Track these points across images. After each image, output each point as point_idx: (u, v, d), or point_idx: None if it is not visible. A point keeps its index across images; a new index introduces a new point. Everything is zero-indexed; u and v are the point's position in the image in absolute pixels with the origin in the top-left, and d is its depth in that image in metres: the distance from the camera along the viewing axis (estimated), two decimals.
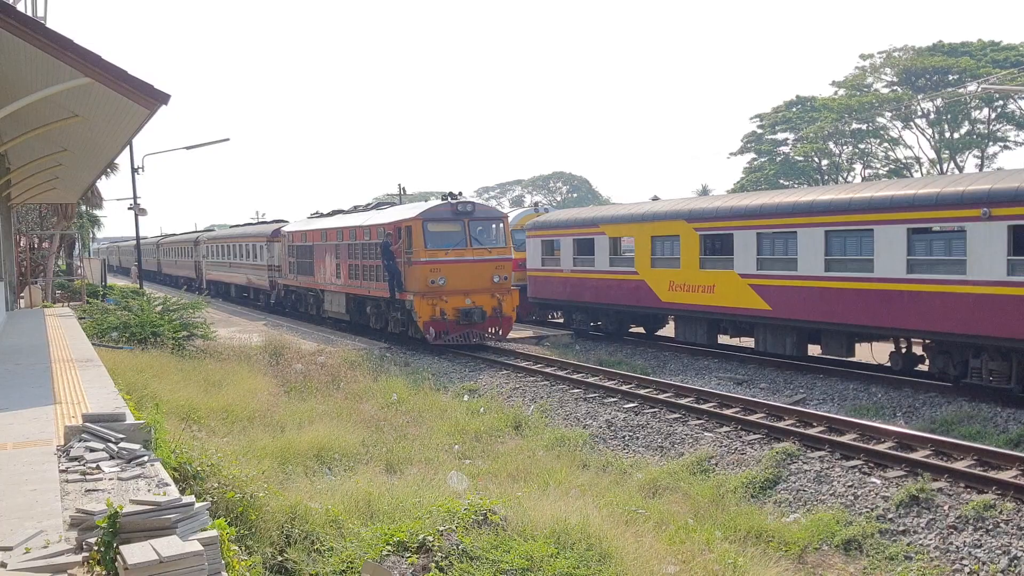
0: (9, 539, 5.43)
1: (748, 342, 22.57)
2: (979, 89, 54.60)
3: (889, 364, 19.02)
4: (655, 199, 27.77)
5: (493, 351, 24.62)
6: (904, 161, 66.72)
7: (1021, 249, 15.46)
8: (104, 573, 4.84)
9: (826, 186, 19.71)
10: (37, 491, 6.59)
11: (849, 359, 19.92)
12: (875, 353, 19.75)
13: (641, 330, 27.29)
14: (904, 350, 18.82)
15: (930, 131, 63.90)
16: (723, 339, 23.35)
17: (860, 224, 17.99)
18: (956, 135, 62.52)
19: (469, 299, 24.33)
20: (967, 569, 9.92)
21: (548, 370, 21.50)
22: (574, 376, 20.57)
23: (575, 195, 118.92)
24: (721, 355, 22.90)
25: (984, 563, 9.92)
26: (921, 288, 16.84)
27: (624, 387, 19.04)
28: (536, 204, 36.14)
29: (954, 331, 16.33)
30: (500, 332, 24.90)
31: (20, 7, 13.37)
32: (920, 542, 10.66)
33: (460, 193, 25.76)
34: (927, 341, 17.70)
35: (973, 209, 15.80)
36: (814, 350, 20.75)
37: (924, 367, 18.39)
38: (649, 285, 24.07)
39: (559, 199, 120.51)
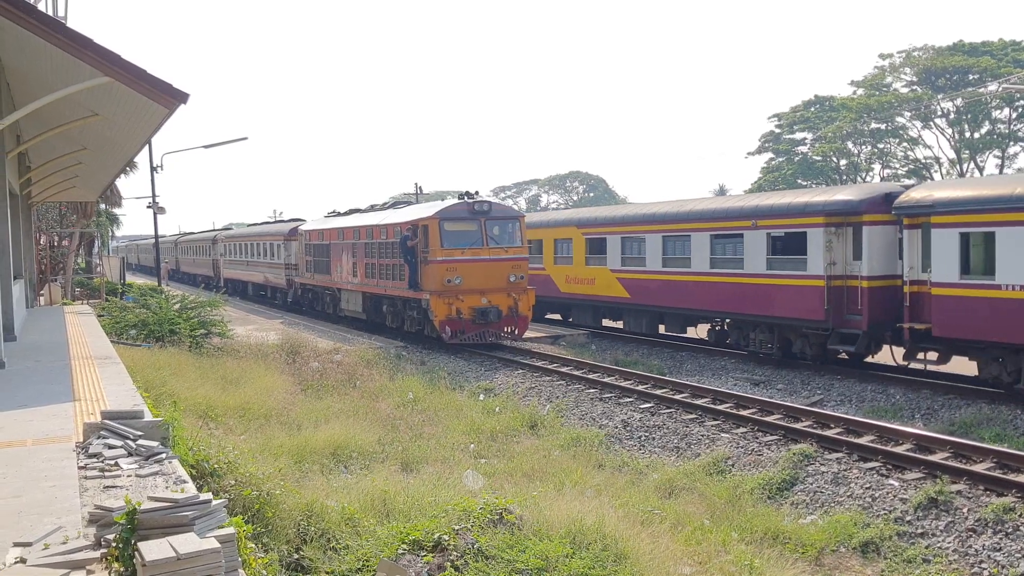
0: (29, 535, 5.48)
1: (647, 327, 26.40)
2: (1000, 89, 54.14)
3: (707, 338, 24.84)
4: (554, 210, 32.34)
5: (509, 350, 24.61)
6: (923, 161, 66.31)
7: (775, 251, 21.09)
8: (122, 570, 4.86)
9: (664, 202, 26.27)
10: (56, 487, 6.65)
11: (689, 336, 25.20)
12: (701, 331, 25.27)
13: (558, 316, 32.03)
14: (717, 328, 24.22)
15: (950, 131, 63.45)
16: (606, 322, 28.80)
17: (683, 232, 23.90)
18: (976, 135, 62.06)
19: (485, 298, 24.32)
20: (986, 572, 9.85)
21: (564, 370, 21.48)
22: (590, 376, 20.54)
23: (591, 195, 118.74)
24: (738, 355, 22.83)
25: (1003, 566, 9.84)
26: (719, 280, 22.56)
27: (640, 387, 19.00)
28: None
29: (740, 312, 21.97)
30: (516, 331, 24.89)
31: (41, 7, 13.49)
32: (938, 545, 10.59)
33: (477, 192, 25.78)
34: (728, 320, 23.36)
35: (746, 221, 21.62)
36: (662, 329, 26.33)
37: (730, 340, 23.48)
38: (553, 279, 29.93)
39: (575, 198, 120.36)
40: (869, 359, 20.38)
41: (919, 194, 18.06)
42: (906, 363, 18.74)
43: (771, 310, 20.89)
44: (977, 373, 17.41)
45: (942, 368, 18.61)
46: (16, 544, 5.32)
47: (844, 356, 20.30)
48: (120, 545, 4.91)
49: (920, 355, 18.06)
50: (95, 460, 7.32)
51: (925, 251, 17.68)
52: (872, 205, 19.20)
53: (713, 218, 22.88)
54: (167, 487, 6.51)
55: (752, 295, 21.35)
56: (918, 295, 17.79)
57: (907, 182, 21.48)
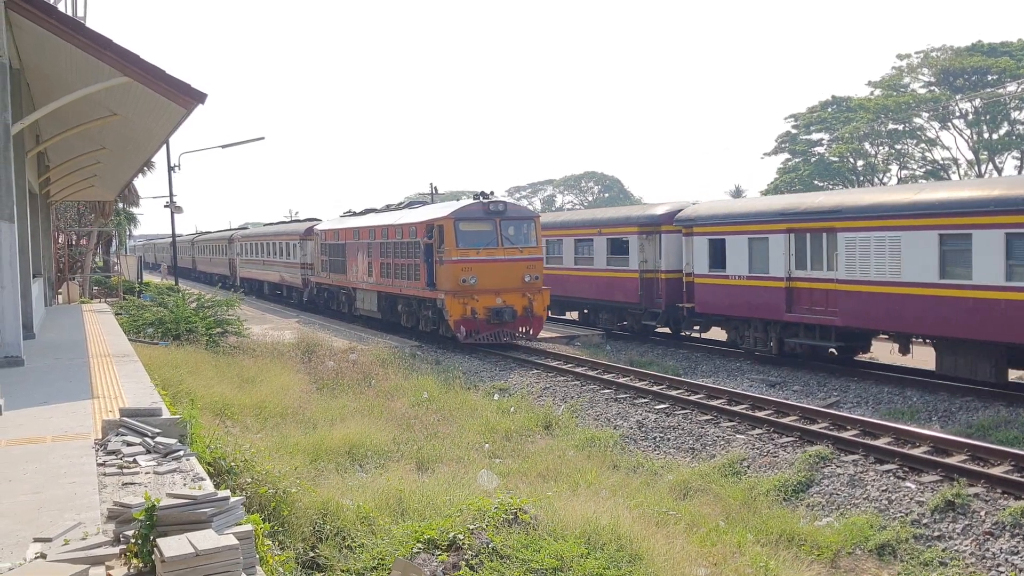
0: (48, 530, 5.52)
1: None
2: (1019, 90, 53.78)
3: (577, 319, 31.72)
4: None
5: (524, 350, 24.62)
6: (941, 162, 65.87)
7: (612, 252, 27.65)
8: (141, 565, 4.89)
9: (575, 211, 31.60)
10: (75, 484, 6.69)
11: (709, 337, 26.12)
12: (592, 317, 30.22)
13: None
14: (585, 312, 31.08)
15: (968, 132, 62.99)
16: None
17: (588, 236, 29.22)
18: (995, 136, 61.58)
19: (500, 298, 24.34)
20: None
21: (579, 370, 21.47)
22: (605, 376, 20.52)
23: (607, 195, 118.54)
24: (754, 356, 22.76)
25: (1021, 570, 9.77)
26: (581, 274, 29.30)
27: (655, 388, 18.97)
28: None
29: (594, 298, 28.94)
30: (531, 332, 24.90)
31: (60, 7, 13.59)
32: (955, 548, 10.52)
33: (492, 192, 25.83)
34: (589, 306, 30.43)
35: (594, 229, 28.68)
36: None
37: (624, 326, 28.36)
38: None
39: (591, 199, 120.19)
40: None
41: (688, 212, 25.03)
42: (686, 332, 26.37)
43: (612, 297, 27.74)
44: (726, 338, 24.40)
45: (707, 336, 25.97)
46: (36, 540, 5.36)
47: (659, 328, 27.24)
48: (139, 541, 4.95)
49: (696, 328, 25.60)
50: (114, 457, 7.37)
51: (691, 252, 24.45)
52: (667, 219, 25.87)
53: (576, 227, 30.47)
54: (185, 484, 6.55)
55: (599, 285, 28.46)
56: (691, 283, 24.49)
57: (691, 201, 26.98)
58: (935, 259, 17.38)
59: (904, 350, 19.59)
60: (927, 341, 19.21)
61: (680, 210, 25.43)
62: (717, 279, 23.19)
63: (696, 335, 26.08)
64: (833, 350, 21.09)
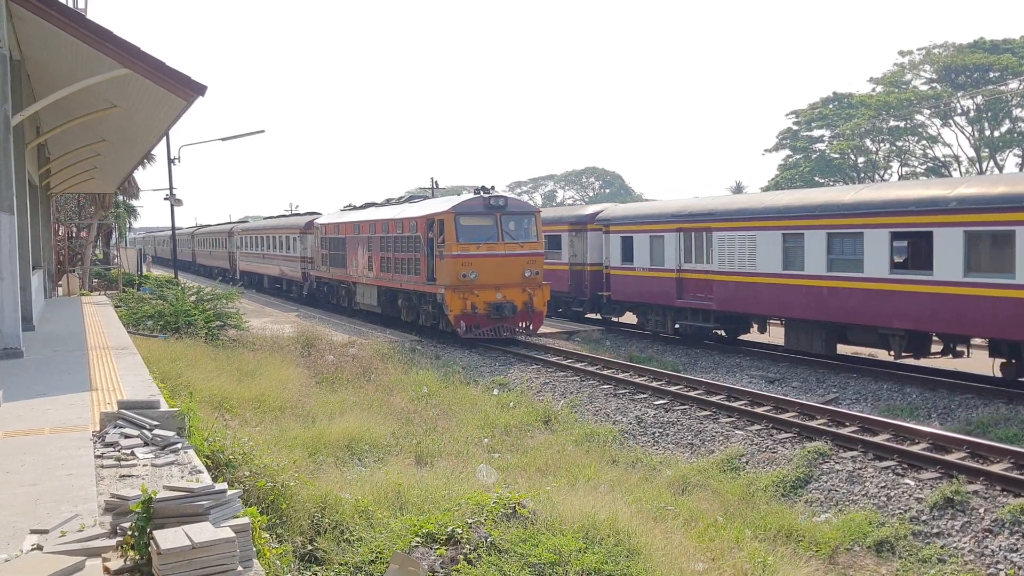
0: (45, 522, 5.52)
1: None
2: (1021, 87, 53.66)
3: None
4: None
5: (523, 345, 24.62)
6: (942, 159, 65.81)
7: (548, 247, 29.91)
8: (137, 557, 4.89)
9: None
10: (73, 476, 6.69)
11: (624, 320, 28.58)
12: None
13: None
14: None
15: (970, 129, 62.89)
16: None
17: (555, 232, 31.09)
18: (996, 133, 61.50)
19: (500, 293, 24.33)
20: (1002, 573, 9.77)
21: (578, 365, 21.47)
22: (604, 372, 20.52)
23: (608, 191, 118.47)
24: (753, 353, 22.76)
25: (1020, 567, 9.77)
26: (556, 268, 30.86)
27: (655, 383, 18.96)
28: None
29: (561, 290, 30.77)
30: (531, 327, 24.89)
31: None
32: (954, 545, 10.52)
33: (493, 187, 25.77)
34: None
35: (564, 226, 30.97)
36: None
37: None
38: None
39: (591, 194, 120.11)
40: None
41: (606, 213, 29.05)
42: (609, 316, 29.45)
43: (552, 287, 28.58)
44: (636, 321, 27.94)
45: (622, 320, 29.39)
46: (33, 531, 5.35)
47: (588, 315, 30.93)
48: (136, 533, 4.94)
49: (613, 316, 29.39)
50: (111, 449, 7.37)
51: (608, 248, 28.13)
52: (592, 219, 29.73)
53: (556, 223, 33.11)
54: (183, 477, 6.55)
55: (561, 277, 31.21)
56: (608, 275, 28.15)
57: (611, 205, 31.52)
58: (779, 254, 21.18)
59: (762, 330, 23.70)
60: (780, 321, 22.91)
61: (602, 211, 29.74)
62: (627, 271, 27.17)
63: (617, 319, 29.69)
64: (721, 332, 24.70)
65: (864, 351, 21.86)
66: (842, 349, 21.25)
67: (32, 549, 5.00)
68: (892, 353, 18.85)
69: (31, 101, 15.70)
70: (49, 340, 15.61)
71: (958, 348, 18.32)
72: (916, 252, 19.38)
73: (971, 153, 63.31)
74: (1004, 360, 17.16)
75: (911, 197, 18.25)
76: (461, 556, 8.10)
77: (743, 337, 24.87)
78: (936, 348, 18.82)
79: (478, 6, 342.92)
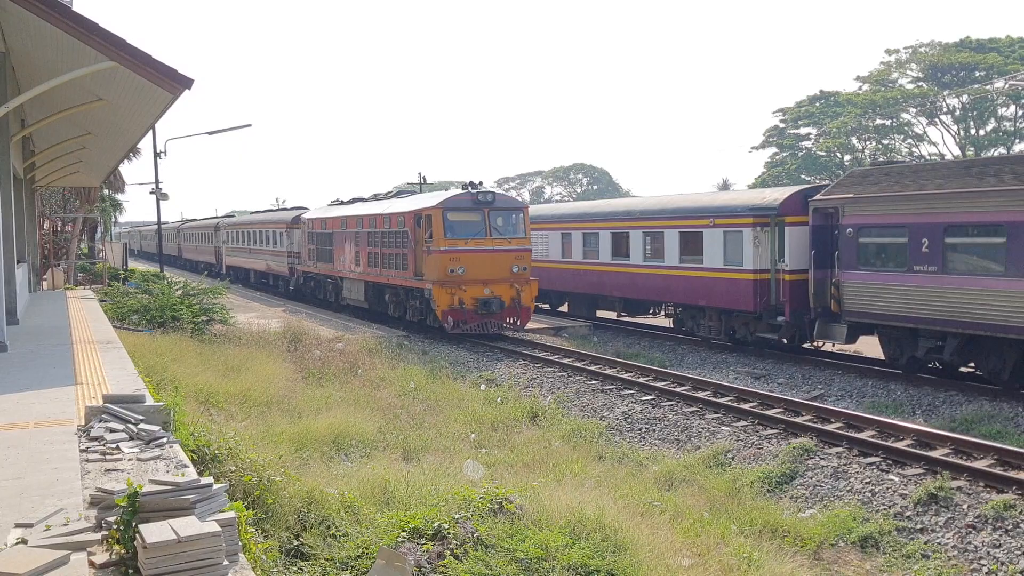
0: (30, 516, 5.49)
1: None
2: (1006, 86, 54.01)
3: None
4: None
5: (511, 341, 24.63)
6: (928, 158, 66.12)
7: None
8: (123, 552, 4.87)
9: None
10: (58, 470, 6.66)
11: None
12: None
13: None
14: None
15: (955, 128, 63.23)
16: None
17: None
18: (982, 132, 61.86)
19: (488, 289, 24.33)
20: (985, 569, 9.85)
21: (565, 361, 21.50)
22: (591, 368, 20.55)
23: (595, 187, 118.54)
24: (740, 349, 22.84)
25: (1003, 563, 9.85)
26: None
27: (641, 379, 19.00)
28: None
29: None
30: (518, 322, 24.90)
31: None
32: (938, 541, 10.59)
33: (481, 183, 25.74)
34: None
35: None
36: None
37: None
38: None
39: (579, 191, 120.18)
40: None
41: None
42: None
43: None
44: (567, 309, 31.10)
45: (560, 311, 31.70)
46: (18, 525, 5.33)
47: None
48: (121, 527, 4.93)
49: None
50: (96, 443, 7.34)
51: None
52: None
53: None
54: (168, 471, 6.53)
55: None
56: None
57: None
58: (641, 250, 25.67)
59: (654, 314, 27.86)
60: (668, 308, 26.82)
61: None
62: (541, 263, 29.65)
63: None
64: (623, 315, 28.35)
65: (849, 348, 21.96)
66: (848, 348, 21.37)
67: (16, 543, 4.98)
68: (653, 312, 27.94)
69: (16, 94, 15.59)
70: (34, 334, 15.53)
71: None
72: (656, 246, 25.49)
73: (957, 151, 63.64)
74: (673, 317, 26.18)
75: (651, 208, 25.82)
76: (448, 551, 8.11)
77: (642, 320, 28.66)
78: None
79: (468, 2, 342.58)
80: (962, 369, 18.17)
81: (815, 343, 21.46)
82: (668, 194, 27.78)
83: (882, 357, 19.53)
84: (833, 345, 21.39)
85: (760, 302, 21.45)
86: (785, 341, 21.72)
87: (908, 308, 17.67)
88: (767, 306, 21.42)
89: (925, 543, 10.59)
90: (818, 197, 20.18)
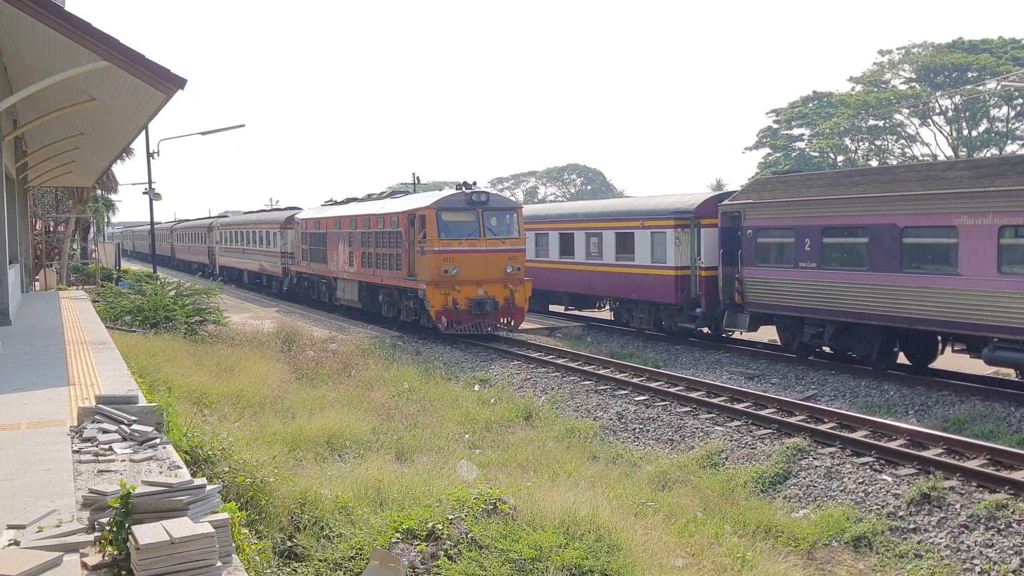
0: (22, 517, 5.47)
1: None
2: (999, 87, 54.15)
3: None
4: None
5: (505, 341, 24.62)
6: (921, 158, 66.29)
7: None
8: (116, 553, 4.86)
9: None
10: (50, 471, 6.64)
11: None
12: None
13: None
14: None
15: (948, 128, 63.41)
16: None
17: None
18: (974, 133, 62.04)
19: (482, 289, 24.32)
20: (978, 568, 9.88)
21: (559, 361, 21.50)
22: (585, 368, 20.56)
23: (589, 187, 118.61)
24: (733, 349, 22.88)
25: (995, 563, 9.88)
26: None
27: (635, 380, 19.01)
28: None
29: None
30: (512, 323, 24.89)
31: None
32: (931, 540, 10.62)
33: (474, 183, 25.72)
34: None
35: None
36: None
37: None
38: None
39: (573, 191, 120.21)
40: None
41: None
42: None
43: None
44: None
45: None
46: (10, 527, 5.31)
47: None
48: (114, 529, 4.91)
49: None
50: (89, 444, 7.31)
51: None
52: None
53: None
54: (161, 472, 6.51)
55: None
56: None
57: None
58: (584, 249, 27.83)
59: (599, 307, 29.68)
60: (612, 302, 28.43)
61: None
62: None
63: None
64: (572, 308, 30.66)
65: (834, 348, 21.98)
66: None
67: (9, 545, 4.96)
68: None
69: (8, 93, 15.53)
70: (26, 335, 15.48)
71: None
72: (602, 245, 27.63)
73: (949, 152, 63.82)
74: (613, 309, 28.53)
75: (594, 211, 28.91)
76: (441, 552, 8.11)
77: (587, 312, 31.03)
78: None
79: (462, 2, 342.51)
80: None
81: (725, 332, 23.65)
82: (607, 199, 30.77)
83: (779, 343, 22.07)
84: (741, 333, 23.20)
85: (681, 295, 23.95)
86: (706, 330, 24.52)
87: (795, 300, 20.33)
88: (687, 299, 23.89)
89: (918, 543, 10.62)
90: (725, 202, 22.69)
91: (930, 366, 19.26)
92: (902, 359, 19.50)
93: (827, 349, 20.72)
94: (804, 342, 20.54)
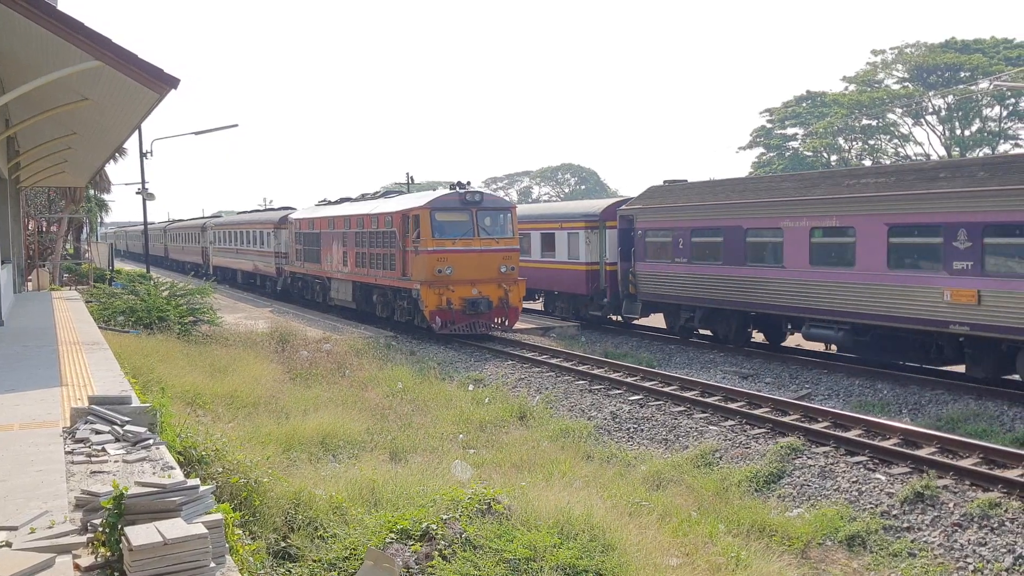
0: (14, 519, 5.45)
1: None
2: (991, 87, 54.33)
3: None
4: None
5: (499, 341, 24.61)
6: (914, 158, 66.47)
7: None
8: (108, 554, 4.84)
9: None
10: (43, 472, 6.61)
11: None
12: None
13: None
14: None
15: (941, 128, 63.61)
16: None
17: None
18: (967, 133, 62.23)
19: (476, 289, 24.30)
20: (971, 567, 9.90)
21: (553, 361, 21.50)
22: (580, 368, 20.55)
23: (583, 187, 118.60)
24: (727, 349, 22.90)
25: (988, 561, 9.90)
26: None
27: (629, 379, 19.01)
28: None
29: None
30: (506, 323, 24.89)
31: None
32: (924, 539, 10.64)
33: (468, 183, 25.70)
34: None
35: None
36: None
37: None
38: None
39: (567, 191, 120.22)
40: None
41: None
42: None
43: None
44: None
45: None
46: (2, 528, 5.29)
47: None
48: (107, 530, 4.89)
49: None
50: (82, 445, 7.29)
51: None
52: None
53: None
54: (154, 473, 6.49)
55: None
56: None
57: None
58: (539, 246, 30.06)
59: (536, 299, 31.61)
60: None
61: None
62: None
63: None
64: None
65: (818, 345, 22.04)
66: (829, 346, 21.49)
67: (1, 546, 4.94)
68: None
69: (0, 93, 15.46)
70: (19, 335, 15.42)
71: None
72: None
73: (942, 152, 64.01)
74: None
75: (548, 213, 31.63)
76: (436, 552, 8.10)
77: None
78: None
79: (455, 2, 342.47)
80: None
81: (626, 318, 27.37)
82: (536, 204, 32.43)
83: (665, 327, 26.10)
84: (638, 318, 26.89)
85: (591, 287, 27.53)
86: (617, 318, 27.99)
87: (673, 289, 24.31)
88: (597, 290, 27.48)
89: (911, 541, 10.63)
90: (623, 207, 26.65)
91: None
92: (760, 338, 23.69)
93: (703, 331, 24.45)
94: (682, 325, 24.51)
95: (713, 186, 24.57)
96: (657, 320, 26.86)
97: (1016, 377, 16.67)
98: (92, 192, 44.89)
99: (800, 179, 21.77)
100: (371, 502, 9.87)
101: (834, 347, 21.02)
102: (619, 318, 27.85)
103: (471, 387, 19.75)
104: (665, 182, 26.94)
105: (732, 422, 15.48)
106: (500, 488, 9.63)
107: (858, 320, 18.66)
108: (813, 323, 19.87)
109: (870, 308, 18.23)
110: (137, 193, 39.41)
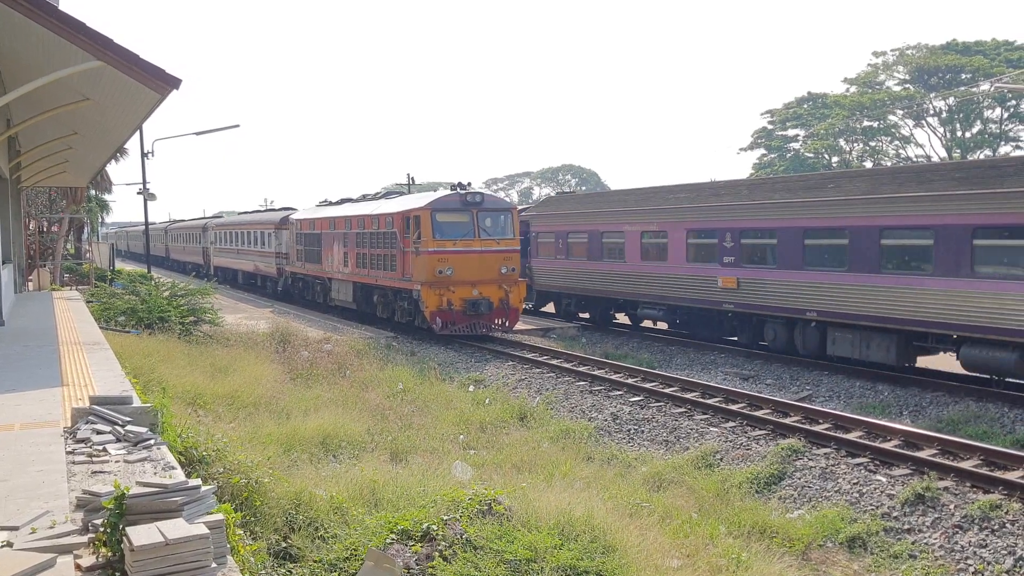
0: (15, 519, 5.45)
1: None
2: (992, 88, 54.34)
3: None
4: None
5: (499, 342, 24.61)
6: (915, 160, 66.47)
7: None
8: (110, 554, 4.84)
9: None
10: (44, 472, 6.61)
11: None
12: None
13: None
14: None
15: (942, 130, 63.64)
16: None
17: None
18: (968, 134, 62.23)
19: (476, 290, 24.31)
20: (972, 569, 9.89)
21: (554, 362, 21.49)
22: (580, 368, 20.55)
23: (584, 188, 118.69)
24: (728, 350, 22.90)
25: (989, 563, 9.89)
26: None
27: (630, 380, 19.00)
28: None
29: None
30: (507, 324, 24.89)
31: None
32: (925, 541, 10.63)
33: (469, 183, 25.71)
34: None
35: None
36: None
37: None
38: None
39: (567, 191, 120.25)
40: None
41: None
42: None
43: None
44: None
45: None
46: (2, 528, 5.29)
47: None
48: (108, 530, 4.89)
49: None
50: (83, 445, 7.29)
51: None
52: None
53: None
54: (156, 473, 6.49)
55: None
56: None
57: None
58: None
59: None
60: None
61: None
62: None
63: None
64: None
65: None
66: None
67: (2, 546, 4.94)
68: None
69: (1, 93, 15.47)
70: (20, 335, 15.43)
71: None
72: None
73: (943, 153, 64.04)
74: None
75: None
76: (436, 553, 8.10)
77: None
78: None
79: (458, 2, 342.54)
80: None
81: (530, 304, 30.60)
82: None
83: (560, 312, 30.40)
84: (531, 305, 30.79)
85: None
86: (529, 305, 30.44)
87: (556, 281, 29.52)
88: None
89: (912, 543, 10.63)
90: (524, 212, 30.77)
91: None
92: (624, 320, 28.14)
93: (582, 315, 29.28)
94: (566, 310, 29.82)
95: (582, 198, 31.82)
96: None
97: (1015, 380, 16.68)
98: (93, 192, 44.92)
99: (639, 194, 27.05)
100: (372, 503, 9.87)
101: (663, 324, 26.57)
102: (529, 304, 30.74)
103: (471, 388, 19.74)
104: (557, 194, 32.00)
105: (733, 423, 15.47)
106: (501, 489, 9.62)
107: (672, 302, 24.21)
108: (645, 305, 25.50)
109: (677, 293, 23.80)
110: (138, 193, 39.48)
